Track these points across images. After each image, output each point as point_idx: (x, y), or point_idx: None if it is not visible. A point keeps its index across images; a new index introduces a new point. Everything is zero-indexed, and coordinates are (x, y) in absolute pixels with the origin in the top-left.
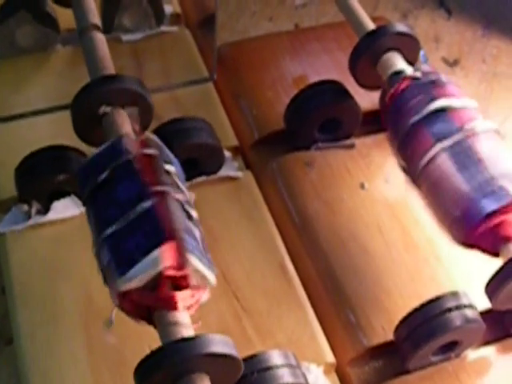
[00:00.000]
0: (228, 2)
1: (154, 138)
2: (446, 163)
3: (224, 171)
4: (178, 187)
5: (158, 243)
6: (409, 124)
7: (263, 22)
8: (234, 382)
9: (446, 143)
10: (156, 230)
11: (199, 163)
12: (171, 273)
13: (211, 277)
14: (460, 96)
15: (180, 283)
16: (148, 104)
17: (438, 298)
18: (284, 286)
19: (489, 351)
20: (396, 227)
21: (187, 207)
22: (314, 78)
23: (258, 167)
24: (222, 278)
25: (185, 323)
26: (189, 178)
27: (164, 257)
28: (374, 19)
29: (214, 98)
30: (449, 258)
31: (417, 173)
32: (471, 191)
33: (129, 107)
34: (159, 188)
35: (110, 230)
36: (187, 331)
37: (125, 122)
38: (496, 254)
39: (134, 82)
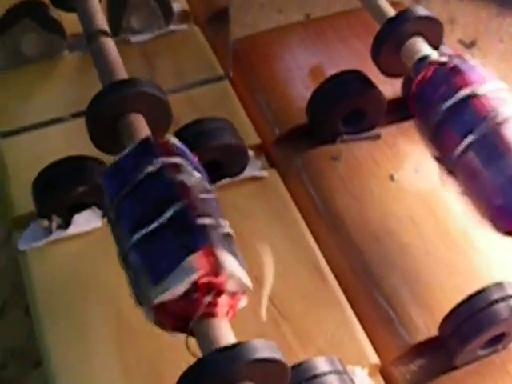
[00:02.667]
0: None
1: (178, 142)
2: (481, 152)
3: (249, 171)
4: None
5: (192, 249)
6: (440, 112)
7: (273, 14)
8: None
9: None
10: (190, 234)
11: (223, 165)
12: (207, 280)
13: (247, 280)
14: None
15: (216, 289)
16: (166, 107)
17: (482, 291)
18: (320, 286)
19: None
20: (430, 218)
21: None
22: (331, 68)
23: (283, 165)
24: (256, 283)
25: (225, 331)
26: (213, 180)
27: (199, 264)
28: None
29: (230, 96)
30: (486, 247)
31: (452, 162)
32: None
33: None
34: (189, 193)
35: (138, 236)
36: (228, 339)
37: (143, 128)
38: None
39: (149, 85)
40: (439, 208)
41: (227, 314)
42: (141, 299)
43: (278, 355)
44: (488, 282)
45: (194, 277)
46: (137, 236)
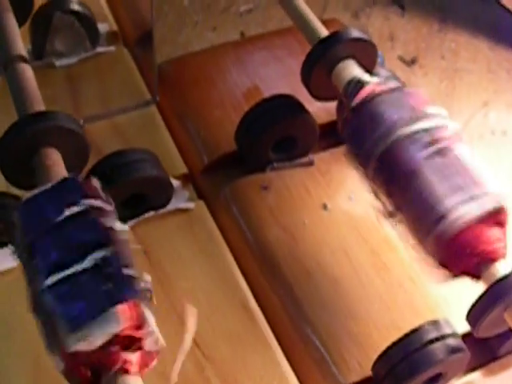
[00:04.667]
0: (167, 13)
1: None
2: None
3: (174, 204)
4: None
5: (119, 300)
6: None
7: (207, 33)
8: None
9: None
10: (117, 284)
11: (146, 198)
12: (129, 333)
13: (161, 340)
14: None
15: (136, 345)
16: (83, 142)
17: (417, 330)
18: (248, 326)
19: (474, 377)
20: (364, 250)
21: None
22: (264, 90)
23: (211, 195)
24: (179, 323)
25: None
26: (136, 214)
27: (124, 316)
28: (325, 22)
29: (157, 123)
30: (424, 280)
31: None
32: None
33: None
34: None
35: (57, 277)
36: None
37: (57, 164)
38: (478, 277)
39: (65, 118)
40: (374, 238)
41: (140, 371)
42: (52, 346)
43: None
44: (426, 318)
45: (118, 329)
46: (52, 278)
